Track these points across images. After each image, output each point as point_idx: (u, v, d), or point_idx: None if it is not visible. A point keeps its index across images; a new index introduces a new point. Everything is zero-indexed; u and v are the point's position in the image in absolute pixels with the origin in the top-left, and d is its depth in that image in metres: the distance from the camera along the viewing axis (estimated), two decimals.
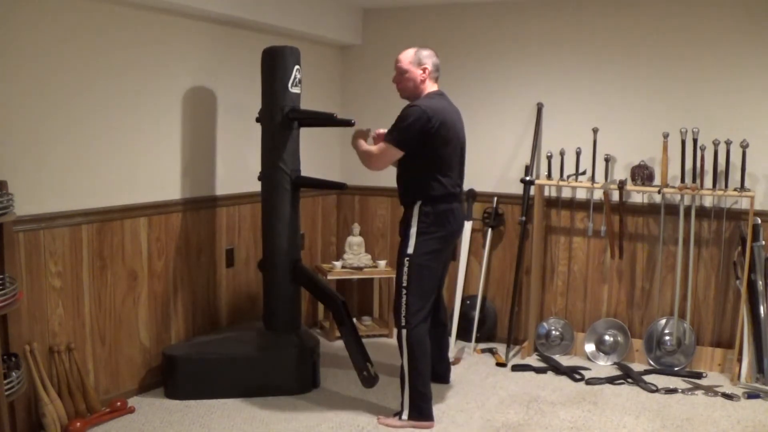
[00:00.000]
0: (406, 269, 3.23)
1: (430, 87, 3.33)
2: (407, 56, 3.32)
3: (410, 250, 3.23)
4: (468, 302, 4.52)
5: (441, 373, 3.80)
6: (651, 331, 4.12)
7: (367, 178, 4.81)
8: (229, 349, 3.59)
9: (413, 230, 3.24)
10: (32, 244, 2.99)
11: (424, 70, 3.30)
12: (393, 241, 4.60)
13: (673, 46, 4.04)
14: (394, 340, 3.31)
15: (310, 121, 3.68)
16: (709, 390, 3.69)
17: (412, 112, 3.18)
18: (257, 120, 3.73)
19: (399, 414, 3.28)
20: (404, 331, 3.23)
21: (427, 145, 3.19)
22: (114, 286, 3.39)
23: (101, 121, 3.28)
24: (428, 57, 3.32)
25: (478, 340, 4.44)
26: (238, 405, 3.46)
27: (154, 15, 3.48)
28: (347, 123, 3.56)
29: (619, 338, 4.19)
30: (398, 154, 3.24)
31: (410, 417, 3.24)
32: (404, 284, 3.23)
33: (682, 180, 3.95)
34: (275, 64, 3.54)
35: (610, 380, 3.85)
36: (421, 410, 3.24)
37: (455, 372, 3.95)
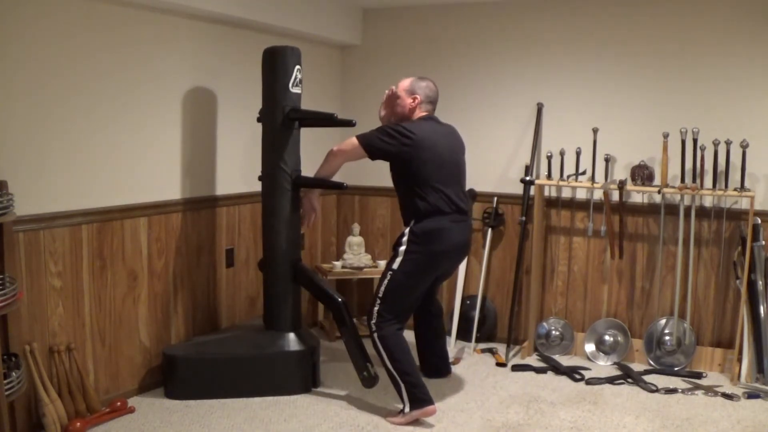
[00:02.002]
0: (386, 281, 3.36)
1: (419, 114, 3.46)
2: (403, 84, 3.50)
3: (395, 265, 3.35)
4: (468, 302, 4.52)
5: (439, 367, 3.81)
6: (651, 331, 4.12)
7: (367, 178, 4.81)
8: (229, 349, 3.59)
9: (401, 248, 3.36)
10: (32, 244, 2.99)
11: (414, 99, 3.45)
12: (393, 240, 4.60)
13: (673, 45, 4.04)
14: (376, 353, 3.38)
15: (310, 122, 3.69)
16: (709, 390, 3.69)
17: (393, 125, 3.37)
18: (258, 120, 3.73)
19: (402, 410, 3.31)
20: (375, 335, 3.34)
21: (401, 163, 3.34)
22: (114, 286, 3.39)
23: (101, 121, 3.28)
24: (422, 88, 3.47)
25: (478, 340, 4.44)
26: (238, 405, 3.46)
27: (154, 15, 3.48)
28: (348, 123, 3.57)
29: (619, 338, 4.19)
30: (359, 153, 3.39)
31: (412, 408, 3.28)
32: (380, 294, 3.35)
33: (682, 180, 3.95)
34: (276, 64, 3.54)
35: (610, 380, 3.85)
36: (418, 398, 3.28)
37: (455, 372, 3.95)
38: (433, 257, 3.35)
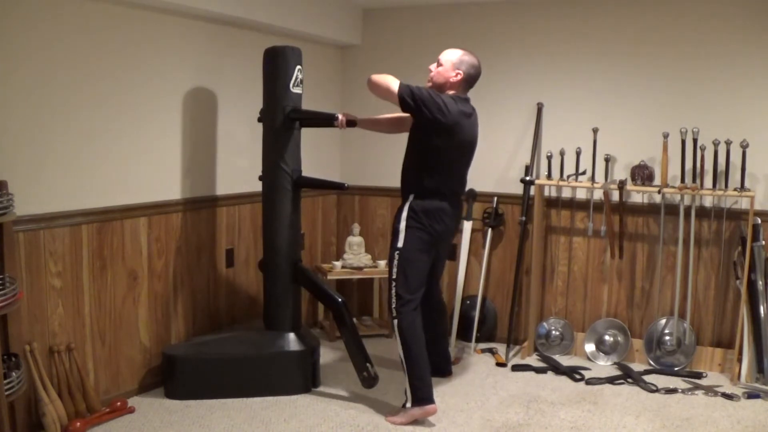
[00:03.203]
0: (395, 262, 3.35)
1: (457, 91, 3.40)
2: (451, 55, 3.40)
3: (399, 244, 3.35)
4: (468, 302, 4.52)
5: (441, 367, 3.81)
6: (651, 331, 4.12)
7: (367, 178, 4.82)
8: (229, 349, 3.59)
9: (402, 225, 3.35)
10: (32, 244, 2.99)
11: (457, 74, 3.37)
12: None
13: (673, 45, 4.04)
14: (394, 340, 3.37)
15: (311, 122, 3.69)
16: (709, 390, 3.70)
17: (438, 95, 3.26)
18: (258, 120, 3.73)
19: (404, 404, 3.33)
20: (395, 321, 3.33)
21: (424, 131, 3.29)
22: (114, 286, 3.39)
23: (101, 121, 3.28)
24: (468, 66, 3.39)
25: (478, 340, 4.44)
26: (238, 405, 3.46)
27: (154, 15, 3.47)
28: (348, 123, 3.57)
29: (619, 338, 4.19)
30: (392, 96, 3.24)
31: (413, 404, 3.29)
32: (393, 276, 3.35)
33: (682, 180, 3.95)
34: (277, 64, 3.54)
35: (610, 380, 3.85)
36: (419, 396, 3.29)
37: (455, 372, 3.95)
38: (434, 233, 3.35)
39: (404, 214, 3.36)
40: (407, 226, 3.34)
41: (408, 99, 3.22)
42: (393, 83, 3.27)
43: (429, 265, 3.44)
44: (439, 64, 3.40)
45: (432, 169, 3.33)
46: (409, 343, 3.30)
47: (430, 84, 3.41)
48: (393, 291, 3.34)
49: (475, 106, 4.46)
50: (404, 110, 3.30)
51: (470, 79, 3.41)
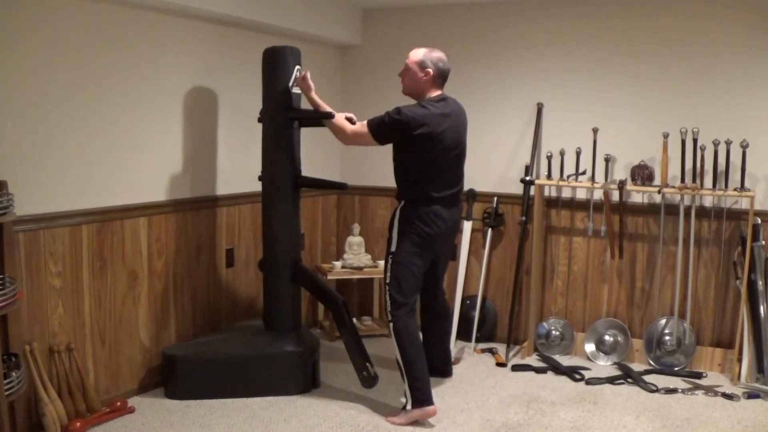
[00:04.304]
0: (389, 266, 3.39)
1: (432, 91, 3.37)
2: (416, 55, 3.38)
3: (393, 248, 3.38)
4: (468, 302, 4.52)
5: (441, 368, 3.81)
6: (651, 331, 4.12)
7: (367, 178, 4.82)
8: (229, 349, 3.59)
9: (395, 231, 3.38)
10: (32, 244, 2.99)
11: (426, 74, 3.34)
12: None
13: (673, 46, 4.04)
14: (394, 340, 3.37)
15: (310, 121, 3.69)
16: (709, 390, 3.70)
17: (399, 113, 3.26)
18: (258, 120, 3.73)
19: (404, 406, 3.33)
20: (391, 325, 3.35)
21: (407, 149, 3.33)
22: (114, 286, 3.39)
23: (101, 121, 3.28)
24: (435, 62, 3.35)
25: (478, 340, 4.44)
26: (238, 405, 3.46)
27: (154, 15, 3.48)
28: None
29: (619, 338, 4.19)
30: (371, 141, 3.35)
31: (413, 406, 3.29)
32: (387, 281, 3.38)
33: (682, 180, 3.95)
34: (276, 64, 3.54)
35: (610, 380, 3.85)
36: (419, 398, 3.29)
37: (455, 372, 3.95)
38: (427, 237, 3.35)
39: (396, 220, 3.39)
40: (399, 232, 3.36)
41: (381, 137, 3.32)
42: (361, 130, 3.36)
43: (424, 269, 3.44)
44: (406, 69, 3.39)
45: (418, 176, 3.33)
46: (405, 346, 3.31)
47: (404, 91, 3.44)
48: (387, 295, 3.37)
49: (476, 106, 4.49)
50: (383, 143, 3.36)
51: (440, 74, 3.36)
